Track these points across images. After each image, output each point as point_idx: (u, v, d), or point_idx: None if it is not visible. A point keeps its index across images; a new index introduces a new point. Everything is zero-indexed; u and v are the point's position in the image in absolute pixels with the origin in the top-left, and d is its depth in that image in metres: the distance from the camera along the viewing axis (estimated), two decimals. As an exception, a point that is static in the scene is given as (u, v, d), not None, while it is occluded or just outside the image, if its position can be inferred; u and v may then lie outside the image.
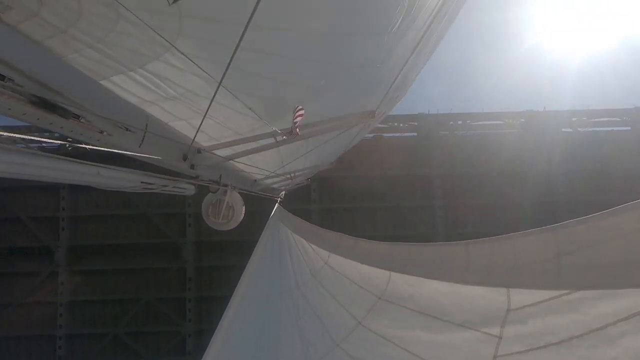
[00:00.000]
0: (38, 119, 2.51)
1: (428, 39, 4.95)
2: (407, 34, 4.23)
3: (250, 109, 3.82)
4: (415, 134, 20.90)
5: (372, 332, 4.33)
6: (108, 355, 20.16)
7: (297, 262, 6.65)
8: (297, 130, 4.05)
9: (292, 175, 8.65)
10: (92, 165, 3.12)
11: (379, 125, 19.94)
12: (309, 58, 3.79)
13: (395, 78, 4.76)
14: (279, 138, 4.36)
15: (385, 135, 20.70)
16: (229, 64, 3.05)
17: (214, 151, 4.55)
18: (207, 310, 19.95)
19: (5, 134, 2.40)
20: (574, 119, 20.31)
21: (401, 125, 20.87)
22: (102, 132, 3.28)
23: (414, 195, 20.10)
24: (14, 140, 2.56)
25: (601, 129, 20.60)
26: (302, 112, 3.98)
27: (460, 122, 20.78)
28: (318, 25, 3.39)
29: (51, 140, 2.38)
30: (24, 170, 2.55)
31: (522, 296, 3.00)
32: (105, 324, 19.94)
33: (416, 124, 20.86)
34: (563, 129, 20.21)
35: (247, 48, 2.70)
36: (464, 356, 3.29)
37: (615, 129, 20.58)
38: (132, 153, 3.70)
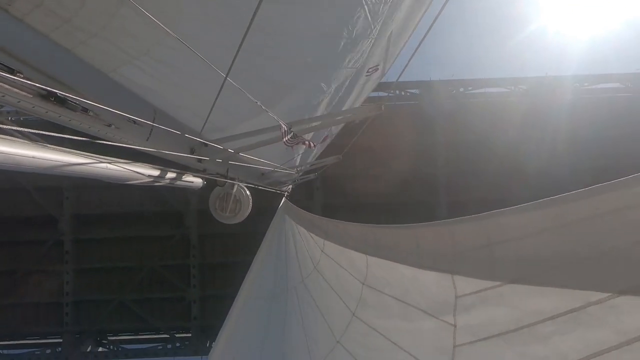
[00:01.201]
0: (47, 111, 2.49)
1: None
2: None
3: (257, 102, 3.78)
4: (416, 102, 20.80)
5: (363, 323, 4.32)
6: (114, 321, 20.68)
7: (302, 255, 6.65)
8: (310, 143, 4.02)
9: (299, 169, 8.63)
10: (100, 159, 3.10)
11: (380, 94, 19.90)
12: (311, 34, 3.78)
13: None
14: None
15: (386, 103, 20.51)
16: (236, 55, 3.02)
17: (221, 144, 4.52)
18: (212, 277, 20.33)
19: (9, 127, 2.38)
20: (576, 84, 20.30)
21: (403, 93, 20.77)
22: (110, 125, 3.26)
23: (417, 162, 19.96)
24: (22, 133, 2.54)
25: (604, 95, 20.56)
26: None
27: (462, 89, 20.75)
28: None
29: (58, 135, 2.35)
30: (32, 163, 2.53)
31: (465, 283, 2.96)
32: (111, 291, 20.34)
33: (417, 91, 20.71)
34: (566, 95, 20.07)
35: (253, 28, 2.67)
36: (432, 345, 3.27)
37: (619, 95, 20.60)
38: (140, 147, 3.68)
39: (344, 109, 6.42)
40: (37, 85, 2.28)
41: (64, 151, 2.82)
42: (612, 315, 2.02)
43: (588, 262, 2.13)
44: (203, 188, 5.50)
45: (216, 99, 3.47)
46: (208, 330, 20.66)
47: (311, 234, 6.20)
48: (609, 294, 2.02)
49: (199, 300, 20.26)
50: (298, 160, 7.67)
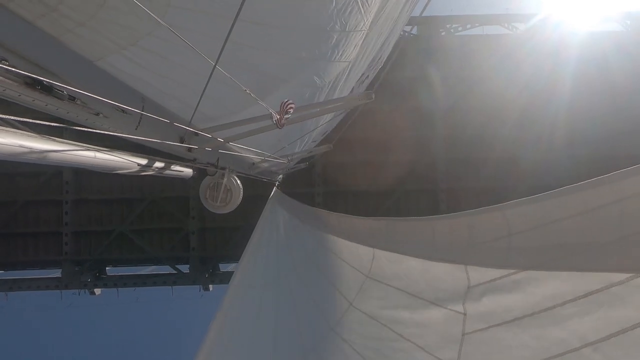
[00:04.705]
0: (33, 100, 2.47)
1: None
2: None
3: (247, 91, 3.77)
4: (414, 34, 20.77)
5: (362, 313, 4.38)
6: (114, 251, 21.01)
7: (295, 245, 6.68)
8: (284, 119, 4.01)
9: (290, 158, 8.63)
10: (88, 147, 3.09)
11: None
12: (302, 25, 3.77)
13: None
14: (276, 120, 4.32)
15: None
16: (224, 44, 3.01)
17: (211, 133, 4.51)
18: (210, 209, 20.40)
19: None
20: (572, 22, 20.69)
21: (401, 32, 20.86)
22: (98, 114, 3.24)
23: (415, 97, 19.96)
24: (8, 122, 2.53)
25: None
26: (292, 106, 3.92)
27: (460, 27, 20.96)
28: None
29: (47, 123, 2.34)
30: (18, 152, 2.52)
31: (478, 273, 3.04)
32: (111, 222, 20.60)
33: (415, 30, 20.65)
34: (561, 32, 20.30)
35: (241, 18, 2.66)
36: (439, 334, 3.34)
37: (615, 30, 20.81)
38: (129, 136, 3.67)
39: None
40: (23, 73, 2.26)
41: (52, 140, 2.81)
42: (638, 294, 2.07)
43: (609, 245, 2.18)
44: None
45: (205, 87, 3.46)
46: (207, 261, 21.02)
47: (307, 225, 6.24)
48: (632, 274, 2.07)
49: (198, 231, 20.49)
50: (288, 149, 7.67)
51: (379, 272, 4.35)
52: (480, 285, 2.98)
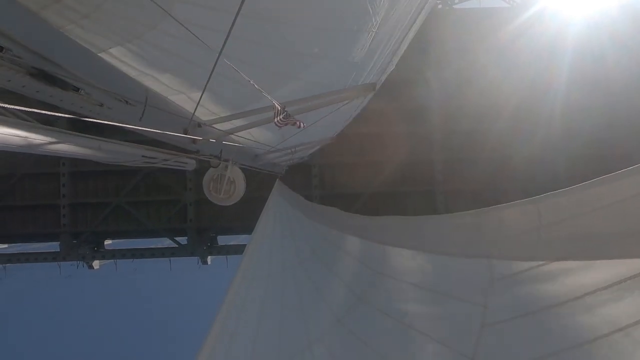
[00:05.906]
0: (37, 91, 2.48)
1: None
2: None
3: (251, 81, 3.77)
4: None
5: (371, 307, 4.39)
6: (111, 223, 21.01)
7: (299, 239, 6.70)
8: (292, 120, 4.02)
9: (293, 150, 8.63)
10: (93, 139, 3.11)
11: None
12: (309, 23, 3.75)
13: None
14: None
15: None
16: (228, 36, 3.01)
17: (214, 125, 4.52)
18: (207, 180, 20.44)
19: (5, 105, 2.38)
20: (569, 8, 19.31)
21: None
22: (101, 105, 3.25)
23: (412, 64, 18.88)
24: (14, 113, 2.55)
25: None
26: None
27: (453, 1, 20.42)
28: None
29: (52, 113, 2.36)
30: (24, 143, 2.54)
31: (503, 266, 3.05)
32: (108, 195, 20.65)
33: None
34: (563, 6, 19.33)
35: (247, 15, 2.65)
36: (455, 326, 3.35)
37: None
38: (133, 127, 3.68)
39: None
40: (27, 64, 2.27)
41: (58, 131, 2.83)
42: None
43: None
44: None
45: (209, 78, 3.45)
46: (204, 233, 21.01)
47: (311, 220, 6.25)
48: None
49: (195, 203, 20.46)
50: (291, 141, 7.66)
51: (390, 267, 4.36)
52: (507, 278, 2.99)
